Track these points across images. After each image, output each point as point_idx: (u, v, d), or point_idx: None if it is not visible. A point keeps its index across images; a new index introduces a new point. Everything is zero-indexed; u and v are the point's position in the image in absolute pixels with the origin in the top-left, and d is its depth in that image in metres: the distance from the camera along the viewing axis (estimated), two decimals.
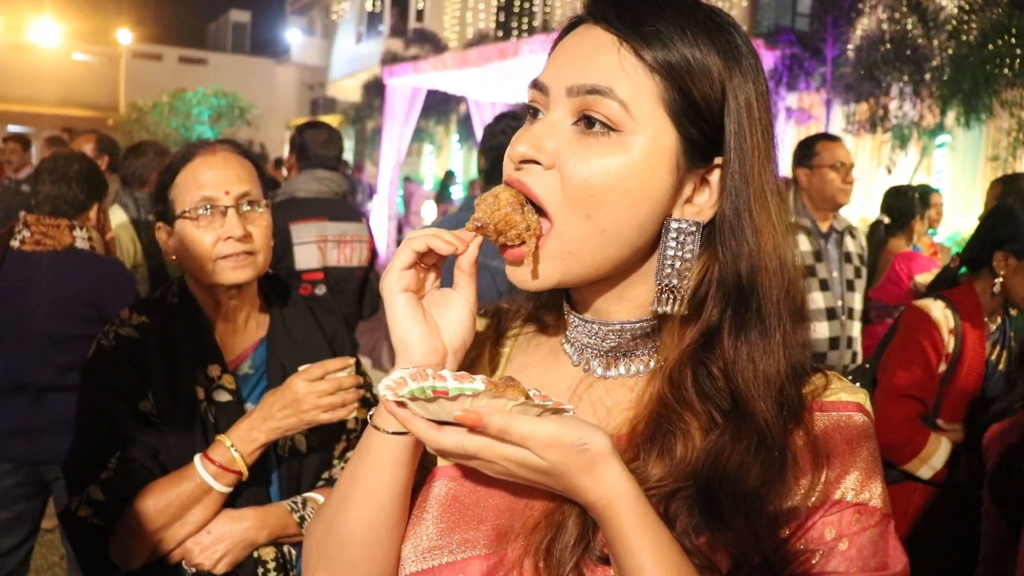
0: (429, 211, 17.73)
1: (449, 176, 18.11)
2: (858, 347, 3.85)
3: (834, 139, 3.95)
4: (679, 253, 0.94)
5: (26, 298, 3.15)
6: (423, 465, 1.05)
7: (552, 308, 1.11)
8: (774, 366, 0.93)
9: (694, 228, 0.94)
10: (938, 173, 12.33)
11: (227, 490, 1.77)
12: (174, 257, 1.93)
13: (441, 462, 1.04)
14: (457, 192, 18.22)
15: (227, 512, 1.79)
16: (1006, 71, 10.36)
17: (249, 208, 1.89)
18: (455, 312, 0.98)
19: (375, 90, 21.02)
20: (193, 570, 1.78)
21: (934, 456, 2.72)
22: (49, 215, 3.29)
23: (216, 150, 1.91)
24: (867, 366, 3.08)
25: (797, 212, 3.86)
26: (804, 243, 3.72)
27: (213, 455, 1.75)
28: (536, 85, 0.97)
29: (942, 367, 2.74)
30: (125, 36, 28.78)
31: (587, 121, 0.91)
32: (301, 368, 1.80)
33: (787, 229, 0.96)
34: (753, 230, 0.93)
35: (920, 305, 2.85)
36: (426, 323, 0.96)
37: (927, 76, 11.22)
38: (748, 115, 0.93)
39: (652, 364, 0.99)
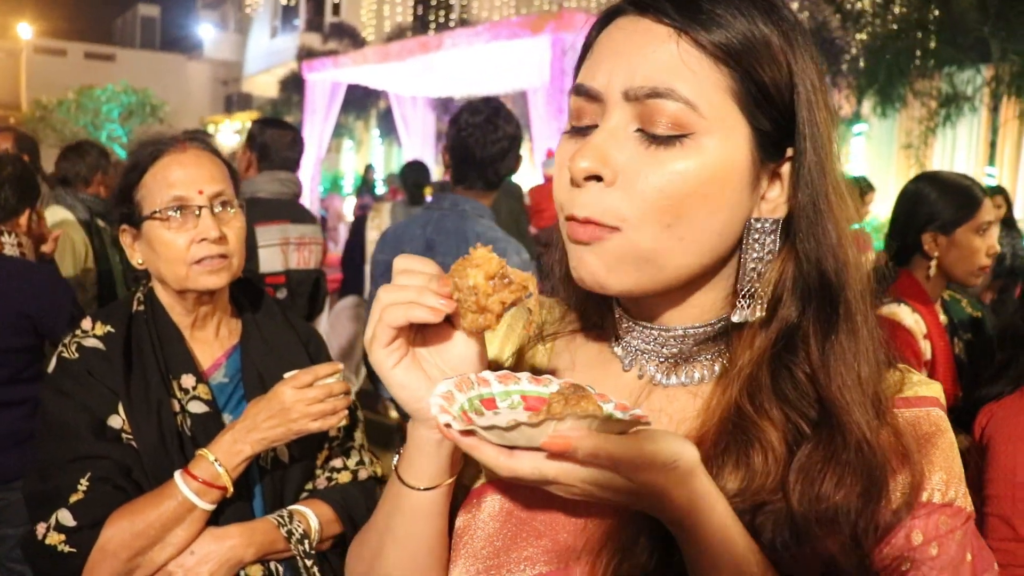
0: (348, 208, 17.47)
1: (368, 170, 17.88)
2: None
3: None
4: (760, 255, 0.88)
5: None
6: (460, 484, 0.98)
7: (599, 307, 1.02)
8: (866, 369, 0.87)
9: (773, 226, 0.88)
10: (855, 161, 12.70)
11: (211, 507, 1.66)
12: (140, 262, 1.80)
13: (486, 475, 0.97)
14: (380, 188, 18.01)
15: (211, 530, 1.68)
16: (918, 62, 10.74)
17: (222, 209, 1.78)
18: (457, 349, 0.88)
19: (292, 86, 20.69)
20: None
21: None
22: None
23: (187, 147, 1.79)
24: None
25: None
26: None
27: (195, 471, 1.64)
28: (583, 91, 0.87)
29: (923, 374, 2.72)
30: (26, 30, 27.63)
31: (652, 129, 0.83)
32: (287, 375, 1.70)
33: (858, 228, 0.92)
34: (833, 223, 0.87)
35: (887, 314, 2.70)
36: (428, 379, 0.87)
37: (844, 67, 11.54)
38: (817, 98, 0.87)
39: (717, 370, 0.92)
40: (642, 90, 0.82)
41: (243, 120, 25.06)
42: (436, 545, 0.96)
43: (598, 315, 1.03)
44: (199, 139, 1.84)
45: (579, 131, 0.88)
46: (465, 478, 0.99)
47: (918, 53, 10.72)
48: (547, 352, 1.06)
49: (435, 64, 13.33)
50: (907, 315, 2.65)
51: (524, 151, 3.53)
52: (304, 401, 1.67)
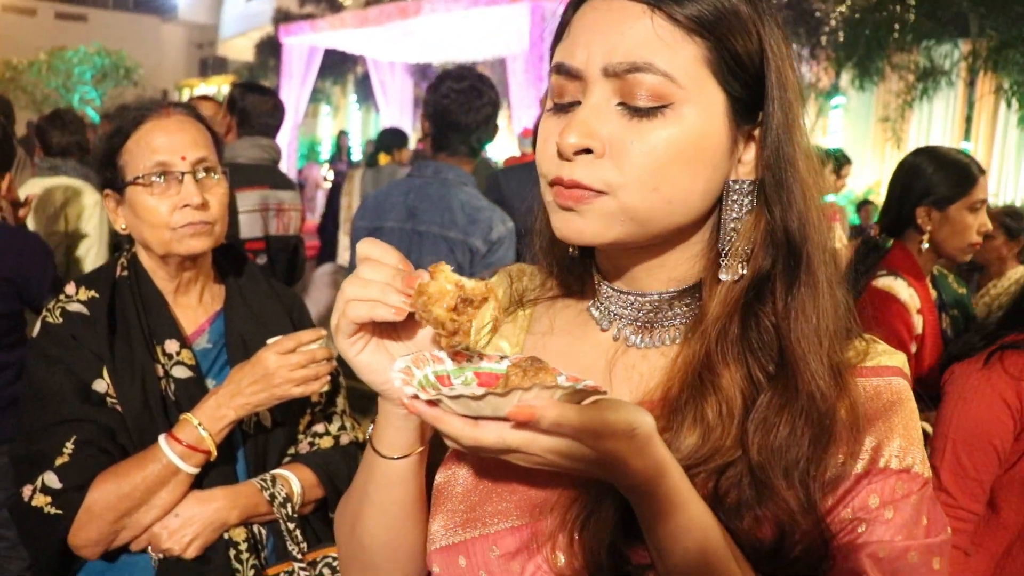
0: (329, 174, 17.36)
1: (342, 136, 17.71)
2: None
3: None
4: (738, 215, 0.93)
5: None
6: (438, 443, 1.01)
7: (576, 272, 1.08)
8: (824, 323, 0.91)
9: (749, 188, 0.93)
10: (833, 133, 12.77)
11: (195, 471, 1.68)
12: (124, 227, 1.81)
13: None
14: (354, 153, 17.87)
15: (195, 493, 1.71)
16: (896, 35, 10.77)
17: (206, 175, 1.79)
18: (423, 331, 0.92)
19: (269, 49, 20.37)
20: (160, 556, 1.70)
21: None
22: None
23: (170, 113, 1.79)
24: None
25: None
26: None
27: (180, 435, 1.66)
28: (563, 70, 0.91)
29: (914, 347, 2.72)
30: None
31: (633, 102, 0.86)
32: (271, 341, 1.72)
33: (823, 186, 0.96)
34: (800, 185, 0.91)
35: (883, 287, 2.73)
36: (392, 360, 0.90)
37: (823, 39, 11.56)
38: (784, 64, 0.91)
39: (686, 331, 0.96)
40: (621, 66, 0.86)
41: (218, 84, 24.71)
42: (411, 508, 1.00)
43: (577, 282, 1.08)
44: (183, 105, 1.84)
45: (562, 108, 0.92)
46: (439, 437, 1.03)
47: (897, 26, 10.75)
48: (526, 317, 1.11)
49: (414, 29, 13.23)
50: (902, 289, 2.70)
51: (502, 119, 3.54)
52: (287, 367, 1.69)
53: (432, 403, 0.76)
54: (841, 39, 11.29)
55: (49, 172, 4.35)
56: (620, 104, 0.87)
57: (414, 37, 13.86)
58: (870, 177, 13.00)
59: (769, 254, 0.92)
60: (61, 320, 1.74)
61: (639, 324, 0.99)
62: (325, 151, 21.08)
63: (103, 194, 1.82)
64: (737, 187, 0.93)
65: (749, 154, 0.93)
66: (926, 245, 2.75)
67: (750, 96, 0.90)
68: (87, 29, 28.51)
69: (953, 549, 1.97)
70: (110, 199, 1.81)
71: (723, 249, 0.93)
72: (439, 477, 1.02)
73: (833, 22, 11.46)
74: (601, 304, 1.03)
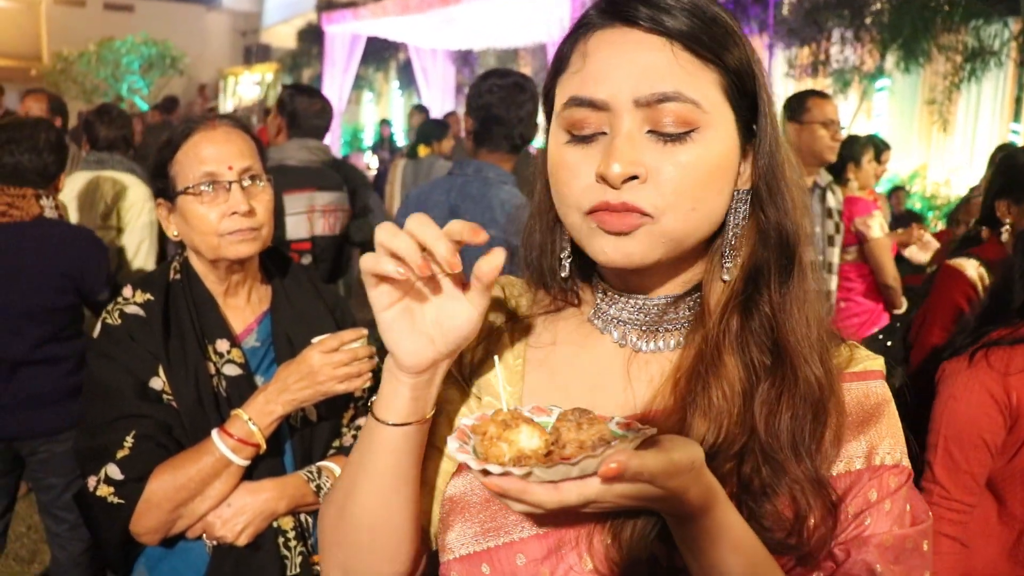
0: (373, 161, 17.49)
1: (384, 124, 17.77)
2: (833, 300, 3.96)
3: (824, 96, 3.95)
4: (738, 221, 1.00)
5: None
6: (444, 452, 1.06)
7: (577, 287, 1.12)
8: (813, 315, 1.00)
9: (746, 195, 1.01)
10: (878, 117, 12.56)
11: (246, 463, 1.79)
12: (175, 234, 1.91)
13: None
14: (398, 139, 17.96)
15: (246, 484, 1.82)
16: (943, 15, 10.55)
17: (251, 183, 1.89)
18: (457, 320, 0.94)
19: (311, 37, 20.51)
20: (214, 543, 1.81)
21: None
22: (9, 183, 3.19)
23: (216, 125, 1.90)
24: (897, 324, 3.17)
25: None
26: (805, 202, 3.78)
27: (231, 429, 1.77)
28: (586, 103, 0.94)
29: None
30: None
31: (662, 129, 0.92)
32: (315, 340, 1.82)
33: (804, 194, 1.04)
34: (787, 188, 1.00)
35: (954, 264, 2.93)
36: (414, 333, 0.94)
37: (868, 21, 11.37)
38: (765, 79, 0.99)
39: (691, 338, 1.02)
40: (653, 96, 0.91)
41: (262, 72, 24.97)
42: (405, 484, 1.01)
43: (573, 293, 1.12)
44: (229, 118, 1.94)
45: (583, 139, 0.96)
46: (436, 439, 1.06)
47: (944, 6, 10.54)
48: (524, 331, 1.13)
49: (455, 16, 13.24)
50: (971, 267, 2.88)
51: (541, 115, 3.60)
52: (331, 364, 1.78)
53: (504, 475, 0.78)
54: (886, 20, 11.09)
55: (96, 166, 4.49)
56: (650, 132, 0.93)
57: (455, 24, 13.88)
58: (916, 161, 12.78)
59: (763, 253, 1.00)
60: (119, 321, 1.86)
61: (644, 328, 1.05)
62: (368, 138, 21.21)
63: (156, 203, 1.93)
64: (738, 196, 1.00)
65: (747, 165, 1.01)
66: (1006, 238, 2.89)
67: (750, 113, 0.99)
68: (134, 19, 28.95)
69: (950, 541, 2.06)
70: (162, 207, 1.92)
71: (725, 252, 1.00)
72: (453, 488, 1.04)
73: (878, 3, 11.27)
74: (604, 312, 1.08)
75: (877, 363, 1.05)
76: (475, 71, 17.26)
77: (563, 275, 1.08)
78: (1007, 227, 2.89)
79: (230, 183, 1.84)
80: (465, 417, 0.89)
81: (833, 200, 3.96)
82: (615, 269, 1.01)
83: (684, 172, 0.92)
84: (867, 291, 4.89)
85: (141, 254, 4.35)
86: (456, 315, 0.94)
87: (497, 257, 0.90)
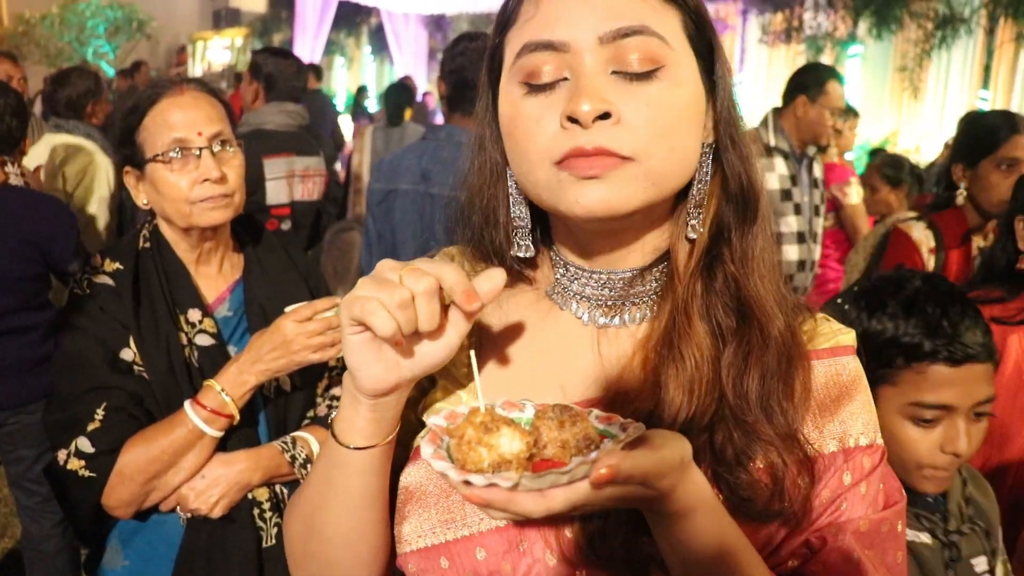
0: (344, 127, 17.28)
1: (361, 91, 17.58)
2: (817, 269, 4.00)
3: (840, 80, 3.92)
4: (702, 176, 0.95)
5: None
6: (404, 443, 0.99)
7: (530, 261, 1.05)
8: (774, 271, 0.97)
9: (709, 148, 0.96)
10: (850, 83, 12.59)
11: (219, 434, 1.77)
12: (145, 202, 1.87)
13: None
14: (371, 105, 17.76)
15: (220, 456, 1.80)
16: None
17: (222, 148, 1.84)
18: (433, 347, 0.87)
19: (282, 1, 20.22)
20: (188, 515, 1.79)
21: None
22: None
23: (184, 90, 1.84)
24: (855, 288, 3.19)
25: (775, 133, 3.84)
26: (782, 166, 3.76)
27: (204, 400, 1.74)
28: (543, 46, 0.88)
29: None
30: None
31: (628, 67, 0.87)
32: (288, 309, 1.79)
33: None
34: (744, 144, 0.96)
35: (902, 227, 3.03)
36: (381, 360, 0.86)
37: None
38: (715, 29, 0.96)
39: (655, 308, 0.97)
40: (619, 31, 0.86)
41: (232, 36, 24.52)
42: (377, 499, 0.97)
43: (525, 267, 1.05)
44: (196, 81, 1.89)
45: (541, 88, 0.89)
46: (407, 436, 1.00)
47: None
48: None
49: None
50: (917, 229, 2.99)
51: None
52: (304, 334, 1.76)
53: (491, 485, 0.71)
54: None
55: (54, 130, 4.40)
56: (614, 72, 0.87)
57: None
58: (887, 127, 12.85)
59: (725, 207, 0.96)
60: (88, 291, 1.82)
61: (609, 304, 0.99)
62: (340, 103, 20.97)
63: (124, 171, 1.88)
64: (704, 149, 0.95)
65: (708, 118, 0.96)
66: (961, 201, 2.96)
67: (709, 61, 0.95)
68: None
69: None
70: (130, 176, 1.87)
71: (691, 209, 0.95)
72: (408, 478, 0.99)
73: None
74: (565, 287, 1.02)
75: (848, 336, 1.01)
76: (448, 36, 17.07)
77: (520, 254, 1.00)
78: (961, 191, 2.93)
79: (200, 149, 1.80)
80: (435, 416, 0.82)
81: (818, 170, 3.98)
82: (587, 226, 0.93)
83: (657, 110, 0.87)
84: (842, 257, 4.92)
85: (97, 220, 4.26)
86: (434, 343, 0.87)
87: (497, 277, 0.85)
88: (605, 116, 0.85)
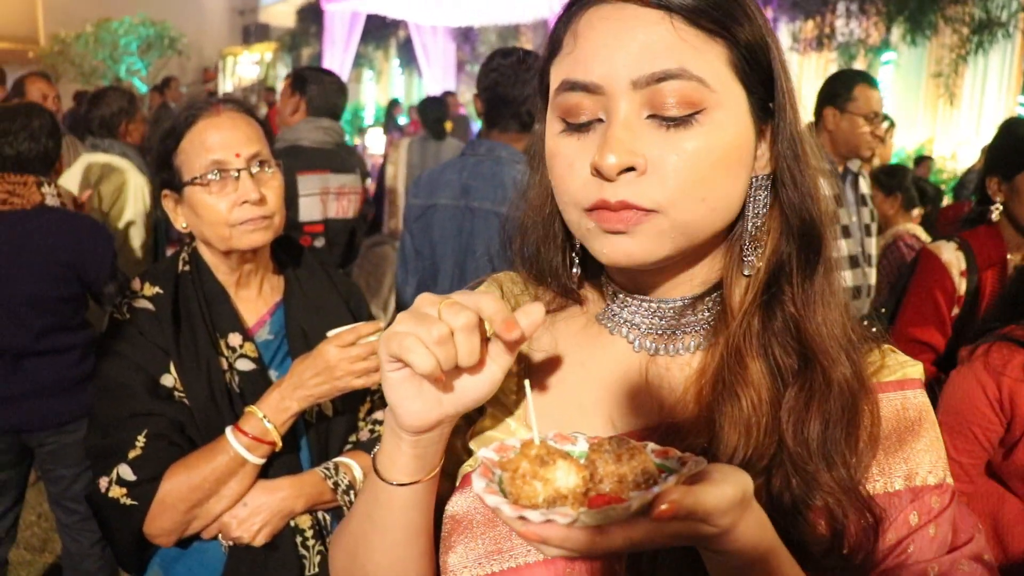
0: (375, 140, 17.35)
1: (394, 104, 17.67)
2: (873, 293, 3.69)
3: (872, 84, 3.64)
4: (758, 210, 0.91)
5: None
6: (449, 473, 0.98)
7: (582, 285, 1.03)
8: (839, 310, 0.92)
9: (765, 181, 0.91)
10: (883, 90, 12.46)
11: (261, 461, 1.73)
12: (184, 225, 1.85)
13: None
14: (402, 120, 17.84)
15: (262, 483, 1.76)
16: None
17: (260, 169, 1.82)
18: (475, 382, 0.85)
19: (311, 15, 20.35)
20: (230, 543, 1.76)
21: None
22: (11, 171, 3.10)
23: (220, 110, 1.82)
24: (883, 311, 3.08)
25: None
26: (824, 187, 3.58)
27: (245, 427, 1.71)
28: (579, 87, 0.85)
29: (955, 310, 2.71)
30: None
31: (664, 112, 0.83)
32: (331, 333, 1.75)
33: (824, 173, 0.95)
34: (810, 172, 0.91)
35: (931, 247, 2.80)
36: (421, 395, 0.84)
37: None
38: (781, 52, 0.90)
39: (712, 340, 0.93)
40: (653, 76, 0.82)
41: (261, 51, 24.79)
42: (420, 534, 0.95)
43: (576, 291, 1.03)
44: (233, 101, 1.87)
45: (578, 127, 0.87)
46: (452, 465, 0.98)
47: None
48: None
49: None
50: (948, 251, 2.74)
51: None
52: (348, 359, 1.72)
53: (548, 521, 0.67)
54: None
55: (91, 150, 4.44)
56: (650, 116, 0.84)
57: (455, 0, 13.78)
58: (922, 135, 12.69)
59: (787, 244, 0.91)
60: (128, 316, 1.80)
61: (659, 332, 0.96)
62: (369, 117, 21.08)
63: (162, 194, 1.86)
64: (756, 183, 0.91)
65: (763, 148, 0.91)
66: (996, 217, 2.76)
67: (765, 92, 0.89)
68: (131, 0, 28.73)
69: None
70: (169, 199, 1.85)
71: (746, 244, 0.91)
72: (454, 507, 0.97)
73: None
74: (615, 314, 0.99)
75: (916, 370, 0.96)
76: (476, 48, 17.13)
77: (572, 271, 0.99)
78: (997, 206, 2.72)
79: (238, 171, 1.77)
80: (485, 448, 0.78)
81: (865, 186, 3.71)
82: (621, 269, 0.93)
83: (690, 161, 0.83)
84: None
85: (132, 240, 4.27)
86: (475, 377, 0.85)
87: (536, 313, 0.82)
88: (631, 169, 0.83)
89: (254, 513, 1.74)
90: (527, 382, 0.81)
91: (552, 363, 1.00)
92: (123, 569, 1.86)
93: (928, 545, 0.89)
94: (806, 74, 14.33)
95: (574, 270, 0.99)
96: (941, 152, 12.26)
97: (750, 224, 0.91)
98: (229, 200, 1.77)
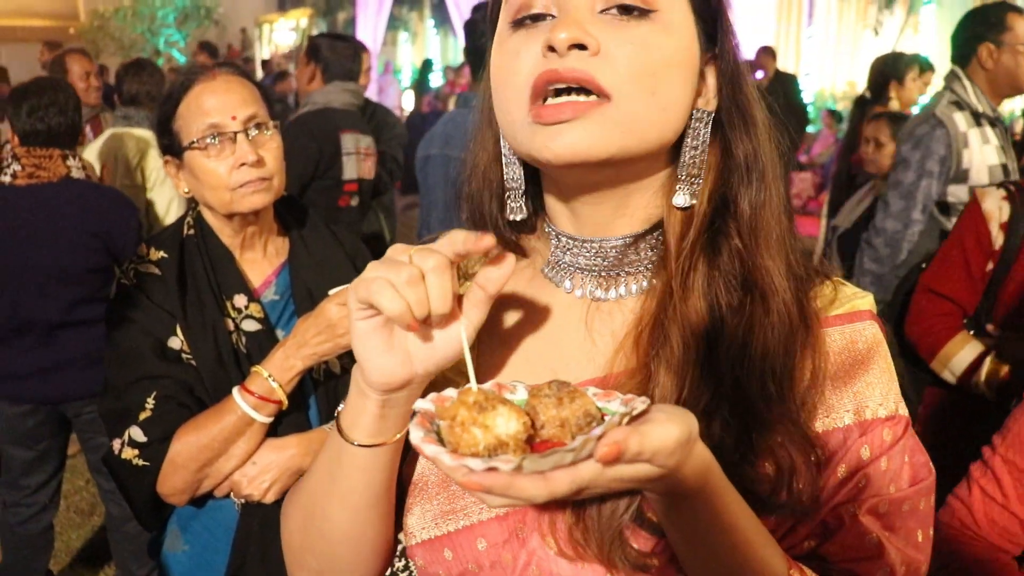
0: (408, 102, 17.32)
1: (427, 65, 17.59)
2: None
3: (1020, 11, 3.37)
4: (697, 143, 0.90)
5: (25, 234, 3.07)
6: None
7: (526, 237, 1.02)
8: (785, 246, 0.91)
9: (708, 117, 0.90)
10: (925, 32, 12.06)
11: (268, 420, 1.76)
12: (187, 190, 1.86)
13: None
14: (436, 80, 17.78)
15: (271, 441, 1.79)
16: None
17: (258, 131, 1.82)
18: (445, 339, 0.83)
19: None
20: (242, 501, 1.80)
21: (953, 359, 2.46)
22: (41, 146, 3.16)
23: (215, 75, 1.83)
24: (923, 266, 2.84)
25: (976, 96, 3.32)
26: (992, 136, 3.27)
27: (251, 387, 1.73)
28: None
29: (989, 265, 2.45)
30: None
31: (622, 6, 0.83)
32: (332, 291, 1.76)
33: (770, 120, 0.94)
34: (751, 116, 0.91)
35: (977, 192, 2.52)
36: (391, 350, 0.82)
37: None
38: (730, 15, 0.91)
39: (653, 279, 0.92)
40: None
41: (297, 18, 24.77)
42: (379, 500, 0.94)
43: (522, 243, 1.02)
44: (227, 65, 1.88)
45: (530, 20, 0.86)
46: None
47: None
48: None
49: None
50: (991, 199, 2.46)
51: None
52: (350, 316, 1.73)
53: (491, 469, 0.65)
54: None
55: (123, 122, 4.46)
56: (604, 11, 0.83)
57: None
58: None
59: (729, 180, 0.91)
60: (135, 281, 1.83)
61: (604, 275, 0.95)
62: (405, 78, 21.04)
63: (164, 160, 1.88)
64: (698, 115, 0.90)
65: (709, 82, 0.91)
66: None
67: (711, 23, 0.90)
68: None
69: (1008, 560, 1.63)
70: (170, 164, 1.87)
71: (681, 176, 0.90)
72: (410, 469, 0.97)
73: None
74: (559, 260, 0.97)
75: (866, 301, 0.94)
76: None
77: (512, 217, 0.96)
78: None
79: (235, 133, 1.78)
80: (421, 400, 0.76)
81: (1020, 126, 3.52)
82: (564, 177, 0.90)
83: (643, 50, 0.82)
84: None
85: (172, 212, 4.33)
86: (446, 334, 0.82)
87: (507, 265, 0.80)
88: (583, 48, 0.81)
89: (263, 471, 1.77)
90: (463, 330, 0.80)
91: (497, 315, 0.97)
92: (143, 527, 1.91)
93: (880, 478, 0.88)
94: (845, 17, 13.94)
95: (514, 216, 0.97)
96: None
97: (688, 156, 0.90)
98: (227, 163, 1.78)
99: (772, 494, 0.83)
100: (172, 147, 1.83)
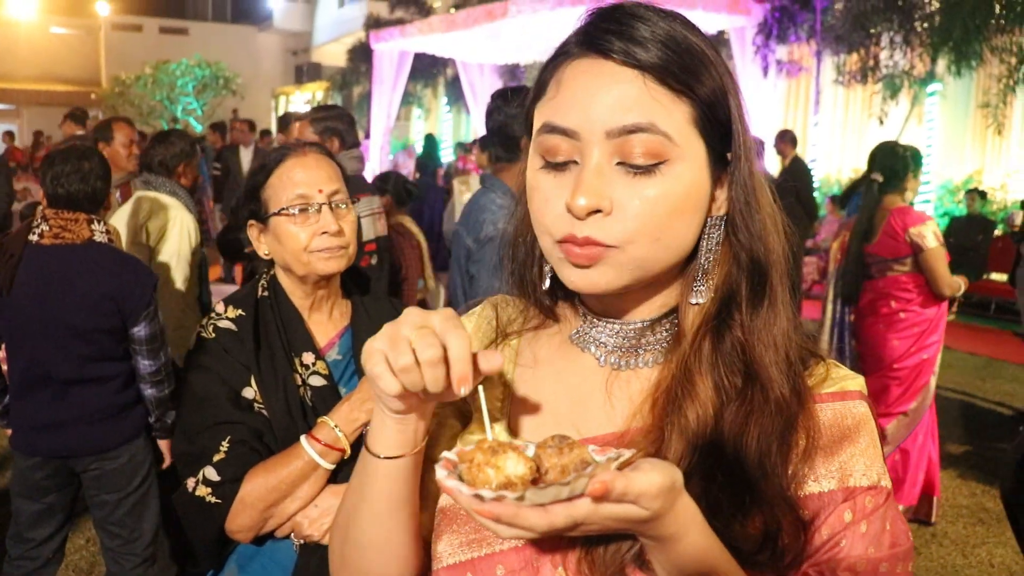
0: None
1: (430, 140, 17.81)
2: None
3: None
4: (711, 246, 1.02)
5: (47, 292, 3.23)
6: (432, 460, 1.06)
7: (560, 304, 1.15)
8: (783, 334, 1.02)
9: (719, 222, 1.02)
10: (929, 122, 12.43)
11: (331, 467, 1.91)
12: (267, 252, 2.05)
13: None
14: (444, 156, 18.09)
15: (332, 487, 1.94)
16: (997, 16, 10.42)
17: (338, 206, 2.03)
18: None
19: (361, 55, 20.87)
20: (301, 542, 1.94)
21: None
22: (67, 209, 3.33)
23: (306, 152, 2.05)
24: None
25: None
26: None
27: (319, 435, 1.89)
28: (559, 130, 0.96)
29: None
30: (103, 7, 28.33)
31: (632, 160, 0.93)
32: None
33: (780, 216, 1.06)
34: (762, 215, 1.02)
35: None
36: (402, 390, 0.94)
37: (917, 25, 11.28)
38: (741, 106, 1.00)
39: (670, 357, 1.04)
40: (625, 128, 0.92)
41: (313, 91, 25.42)
42: (401, 508, 1.05)
43: (555, 311, 1.16)
44: (316, 146, 2.10)
45: (556, 166, 0.98)
46: (436, 454, 1.04)
47: (996, 8, 10.42)
48: (513, 348, 1.17)
49: (501, 31, 13.41)
50: None
51: None
52: None
53: (498, 499, 0.78)
54: (936, 23, 10.98)
55: (143, 186, 4.62)
56: (619, 163, 0.94)
57: (501, 38, 14.06)
58: (970, 166, 12.62)
59: (736, 277, 1.02)
60: (213, 335, 2.00)
61: (623, 350, 1.07)
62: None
63: (248, 224, 2.07)
64: (711, 222, 1.02)
65: (722, 192, 1.02)
66: None
67: (723, 145, 1.00)
68: (189, 41, 29.62)
69: None
70: (254, 228, 2.07)
71: (698, 276, 1.03)
72: (444, 500, 1.08)
73: (928, 6, 11.17)
74: (585, 333, 1.10)
75: (856, 383, 1.05)
76: (523, 84, 17.39)
77: (544, 287, 1.10)
78: None
79: (320, 205, 1.98)
80: (447, 452, 0.89)
81: None
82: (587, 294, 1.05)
83: (649, 205, 0.93)
84: (925, 301, 4.90)
85: (175, 275, 4.45)
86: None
87: (495, 361, 0.92)
88: (598, 211, 0.94)
89: (324, 513, 1.91)
90: (480, 387, 0.92)
91: (532, 375, 1.12)
92: (202, 564, 2.04)
93: (859, 541, 0.97)
94: (852, 106, 14.34)
95: (545, 285, 1.11)
96: (991, 183, 12.17)
97: (703, 258, 1.02)
98: (310, 230, 1.97)
99: (757, 552, 0.94)
100: (258, 213, 2.04)
